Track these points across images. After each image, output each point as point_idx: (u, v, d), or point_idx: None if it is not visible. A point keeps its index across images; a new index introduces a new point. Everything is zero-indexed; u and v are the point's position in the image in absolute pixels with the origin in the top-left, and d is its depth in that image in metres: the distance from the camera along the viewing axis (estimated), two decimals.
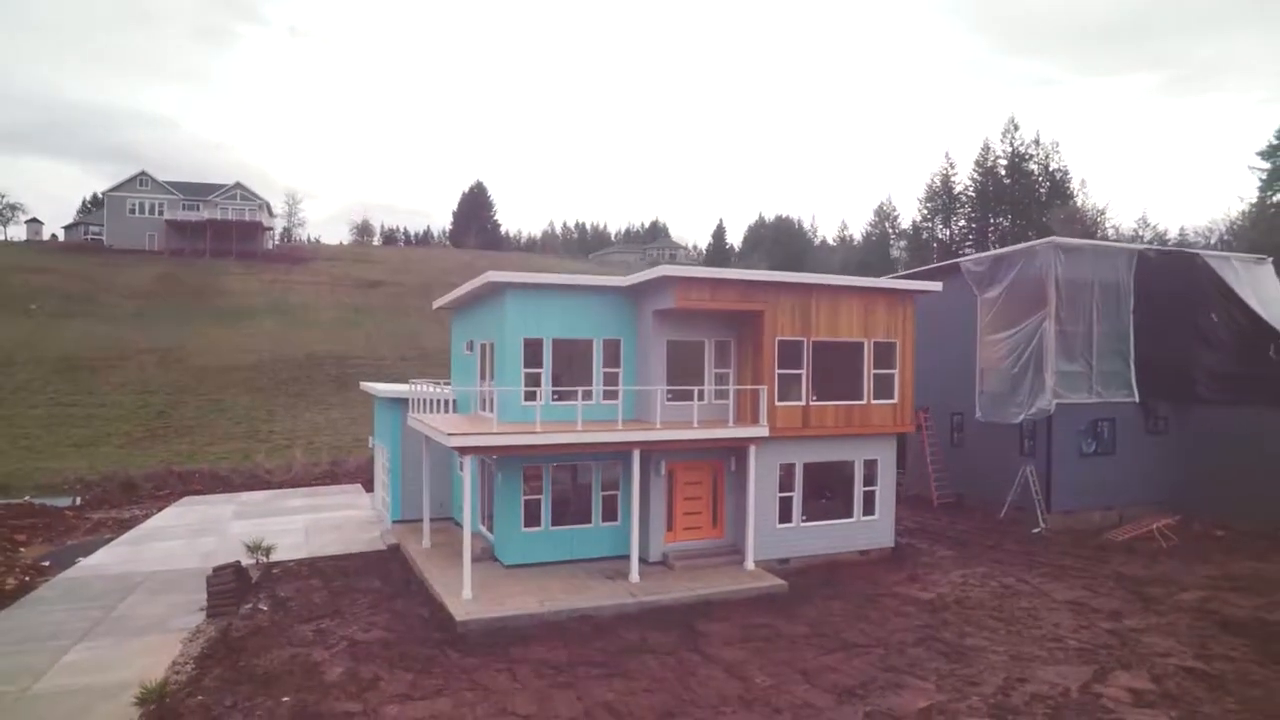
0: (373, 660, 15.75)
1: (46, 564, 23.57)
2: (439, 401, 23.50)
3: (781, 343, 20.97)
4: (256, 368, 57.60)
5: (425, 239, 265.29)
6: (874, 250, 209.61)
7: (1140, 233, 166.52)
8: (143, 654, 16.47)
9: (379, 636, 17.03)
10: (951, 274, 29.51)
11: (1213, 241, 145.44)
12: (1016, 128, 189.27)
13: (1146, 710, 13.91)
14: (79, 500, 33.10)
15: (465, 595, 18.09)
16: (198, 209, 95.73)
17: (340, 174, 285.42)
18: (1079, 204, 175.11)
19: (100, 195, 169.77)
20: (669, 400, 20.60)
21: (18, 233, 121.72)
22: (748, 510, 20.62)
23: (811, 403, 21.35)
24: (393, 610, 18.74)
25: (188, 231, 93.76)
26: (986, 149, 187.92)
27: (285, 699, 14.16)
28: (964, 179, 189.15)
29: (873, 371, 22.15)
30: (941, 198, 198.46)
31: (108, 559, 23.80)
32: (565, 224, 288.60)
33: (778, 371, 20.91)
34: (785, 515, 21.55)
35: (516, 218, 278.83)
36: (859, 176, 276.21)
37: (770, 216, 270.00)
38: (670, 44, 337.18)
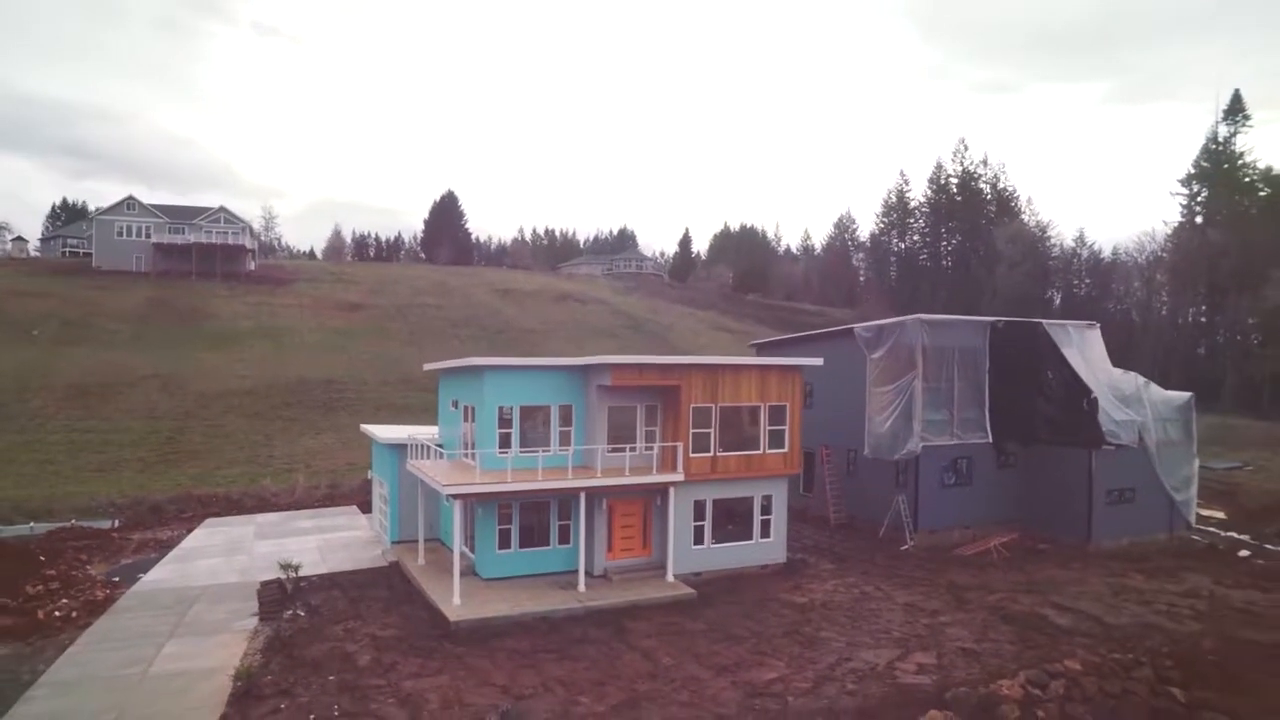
0: (390, 650, 22.10)
1: (116, 580, 29.50)
2: (429, 449, 29.79)
3: (695, 408, 27.59)
4: (252, 393, 63.22)
5: (396, 247, 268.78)
6: (834, 261, 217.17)
7: (1078, 249, 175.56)
8: (218, 648, 22.63)
9: (392, 633, 23.37)
10: (850, 336, 36.33)
11: (1141, 260, 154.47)
12: (966, 148, 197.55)
13: (921, 676, 20.72)
14: (117, 522, 38.80)
15: (455, 602, 24.44)
16: (183, 232, 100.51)
17: (308, 171, 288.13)
18: (1025, 221, 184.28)
19: (70, 201, 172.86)
20: (609, 453, 27.10)
21: None
22: (669, 536, 27.20)
23: (719, 454, 28.02)
24: (400, 614, 25.08)
25: (174, 254, 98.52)
26: (939, 167, 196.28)
27: (331, 678, 20.47)
28: (919, 194, 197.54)
29: (767, 428, 28.85)
30: (897, 212, 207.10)
31: (164, 575, 29.78)
32: (535, 230, 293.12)
33: (692, 430, 27.52)
34: (699, 539, 28.18)
35: (487, 220, 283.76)
36: (822, 186, 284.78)
37: (736, 225, 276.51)
38: (639, 52, 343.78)
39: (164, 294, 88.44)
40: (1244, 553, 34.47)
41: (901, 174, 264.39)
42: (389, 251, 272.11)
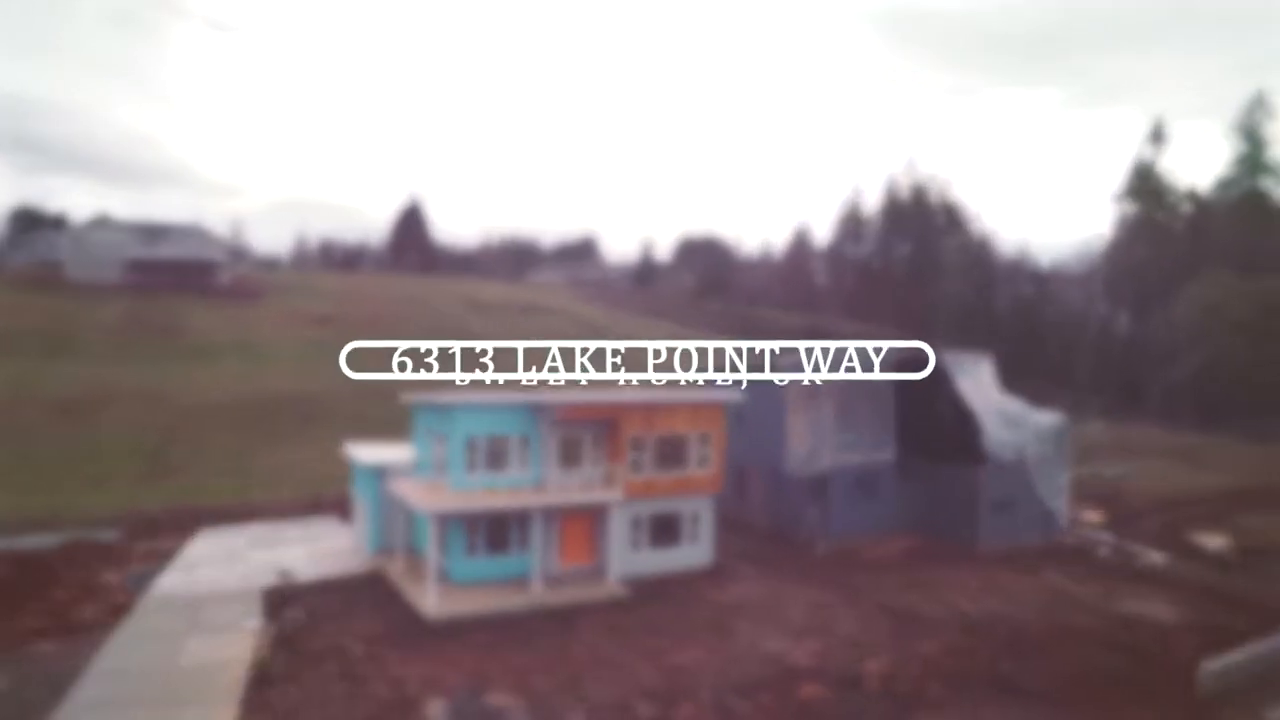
0: (379, 643, 26.91)
1: (130, 587, 33.84)
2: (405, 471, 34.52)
3: (633, 437, 32.67)
4: (232, 407, 67.19)
5: (362, 252, 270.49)
6: (792, 268, 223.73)
7: (1022, 259, 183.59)
8: (232, 644, 27.24)
9: (379, 629, 28.18)
10: (776, 365, 41.63)
11: (1080, 270, 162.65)
12: (917, 163, 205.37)
13: (807, 654, 26.02)
14: (119, 534, 42.90)
15: (431, 601, 29.30)
16: (156, 247, 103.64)
17: (269, 169, 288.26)
18: (972, 231, 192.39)
19: (30, 205, 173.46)
20: (561, 474, 32.09)
21: None
22: (610, 545, 32.27)
23: (653, 475, 33.14)
24: (384, 613, 29.87)
25: (147, 269, 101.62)
26: (891, 181, 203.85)
27: (330, 667, 25.25)
28: (873, 205, 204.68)
29: (696, 452, 34.02)
30: (852, 221, 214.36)
31: (174, 581, 34.16)
32: (499, 235, 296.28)
33: (630, 455, 32.60)
34: (636, 547, 33.27)
35: (452, 223, 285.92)
36: (786, 190, 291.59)
37: (698, 232, 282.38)
38: (606, 55, 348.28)
39: (139, 308, 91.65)
40: (1103, 551, 40.43)
41: (856, 188, 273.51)
42: (354, 257, 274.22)
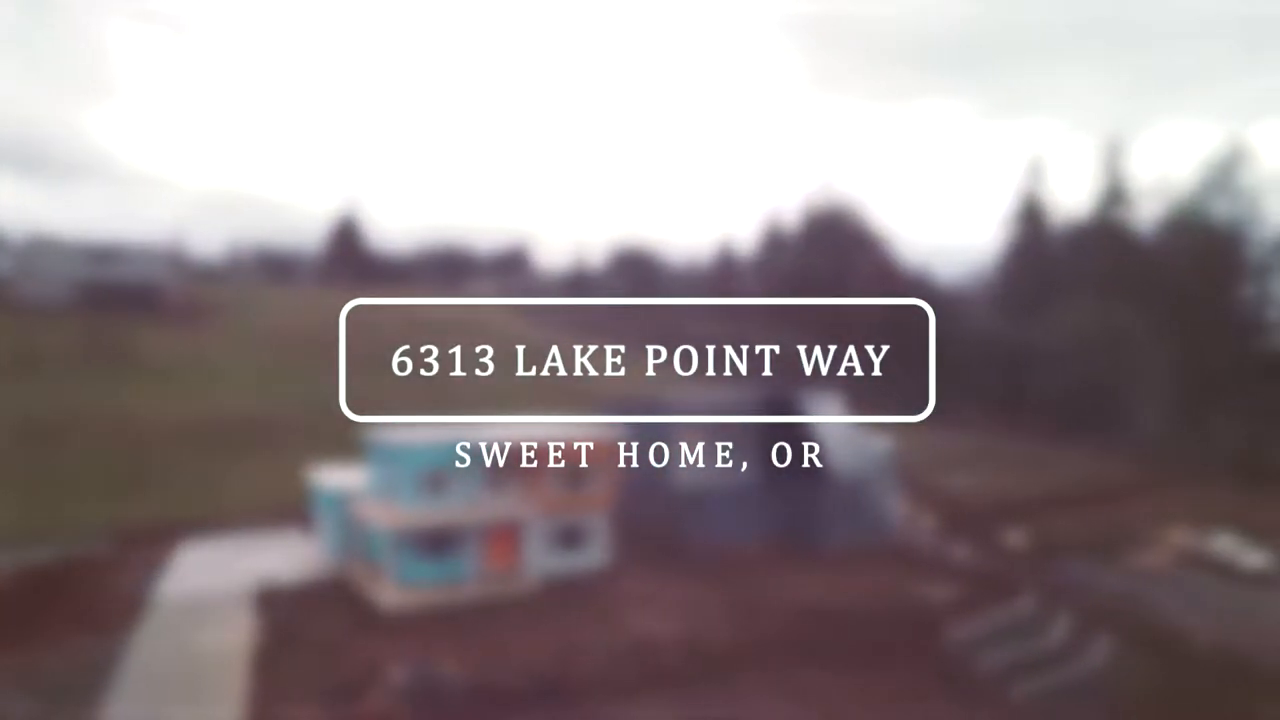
0: (348, 630, 35.80)
1: (139, 590, 41.82)
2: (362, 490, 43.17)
3: (546, 467, 42.06)
4: (193, 428, 74.18)
5: (296, 260, 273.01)
6: (719, 280, 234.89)
7: (927, 273, 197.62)
8: (232, 635, 35.76)
9: (348, 620, 37.04)
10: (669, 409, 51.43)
11: (978, 285, 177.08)
12: (831, 188, 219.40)
13: (670, 630, 35.80)
14: (110, 546, 50.45)
15: (387, 598, 38.22)
16: (104, 268, 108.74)
17: (197, 163, 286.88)
18: (883, 254, 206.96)
19: None
20: (489, 496, 41.29)
21: None
22: (527, 550, 41.61)
23: (561, 496, 42.61)
24: (350, 606, 38.70)
25: (95, 290, 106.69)
26: (807, 201, 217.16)
27: (313, 644, 34.09)
28: (792, 221, 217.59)
29: (594, 477, 43.56)
30: (773, 239, 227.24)
31: (172, 586, 42.23)
32: (434, 241, 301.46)
33: (542, 481, 41.98)
34: (548, 553, 42.67)
35: (387, 221, 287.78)
36: (714, 197, 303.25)
37: (629, 241, 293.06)
38: (530, 53, 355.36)
39: (91, 329, 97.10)
40: (923, 549, 51.32)
41: (776, 206, 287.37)
42: (289, 262, 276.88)
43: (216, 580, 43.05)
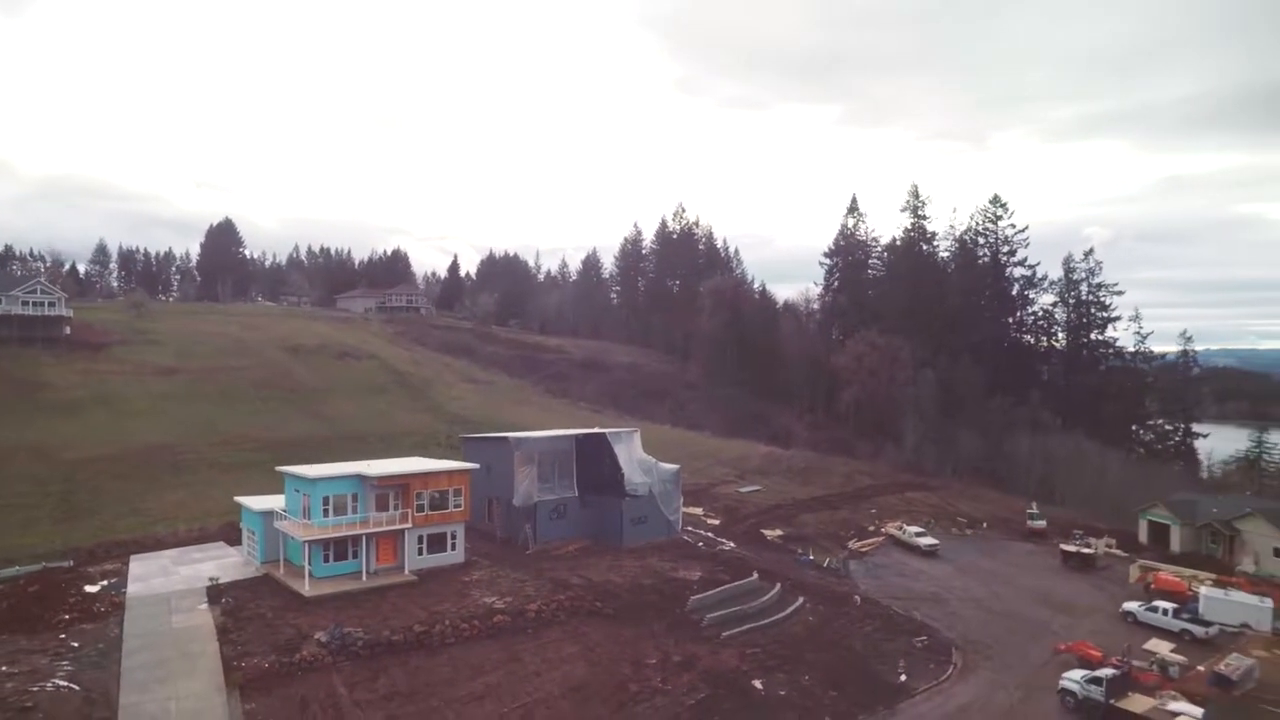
0: (279, 610, 52.46)
1: (113, 593, 56.66)
2: (281, 510, 59.38)
3: (418, 492, 59.71)
4: (111, 458, 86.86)
5: (168, 263, 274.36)
6: (583, 295, 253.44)
7: (761, 295, 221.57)
8: (198, 616, 51.80)
9: (278, 603, 53.62)
10: (507, 442, 69.78)
11: (804, 309, 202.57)
12: (684, 210, 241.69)
13: (503, 603, 54.27)
14: (72, 562, 64.30)
15: (306, 589, 55.01)
16: (1, 303, 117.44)
17: (39, 146, 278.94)
18: (732, 271, 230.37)
19: None
20: (378, 512, 58.59)
21: None
22: (406, 551, 59.14)
23: (429, 512, 60.35)
24: (278, 596, 55.19)
25: None
26: (664, 223, 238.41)
27: (258, 623, 50.68)
28: (649, 238, 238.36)
29: (453, 498, 61.49)
30: (631, 258, 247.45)
31: (139, 588, 57.21)
32: (310, 249, 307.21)
33: (415, 503, 59.62)
34: (421, 552, 60.32)
35: (263, 233, 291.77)
36: (584, 207, 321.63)
37: (501, 252, 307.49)
38: (410, 64, 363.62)
39: None
40: (699, 544, 71.56)
41: (635, 225, 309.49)
42: (160, 267, 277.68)
43: (170, 582, 58.44)
